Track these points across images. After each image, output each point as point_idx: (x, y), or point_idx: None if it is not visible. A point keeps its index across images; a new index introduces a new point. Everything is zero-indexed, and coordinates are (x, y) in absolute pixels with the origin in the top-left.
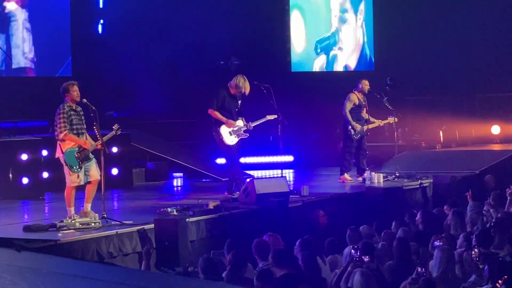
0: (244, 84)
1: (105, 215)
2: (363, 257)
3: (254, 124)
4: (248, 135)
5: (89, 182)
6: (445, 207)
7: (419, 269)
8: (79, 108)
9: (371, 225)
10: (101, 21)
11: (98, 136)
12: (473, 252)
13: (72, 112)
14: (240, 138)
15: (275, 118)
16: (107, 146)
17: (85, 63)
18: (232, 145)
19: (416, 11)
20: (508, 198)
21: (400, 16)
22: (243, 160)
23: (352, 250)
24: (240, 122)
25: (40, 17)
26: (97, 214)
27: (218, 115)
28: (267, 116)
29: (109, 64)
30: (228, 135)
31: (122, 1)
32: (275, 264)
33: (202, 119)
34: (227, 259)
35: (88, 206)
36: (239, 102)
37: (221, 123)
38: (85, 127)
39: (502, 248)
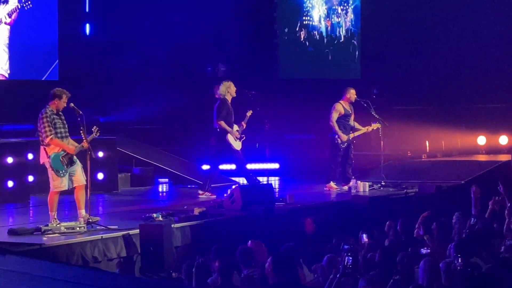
0: None
1: (91, 220)
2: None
3: None
4: None
5: (74, 188)
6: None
7: (395, 277)
8: (60, 112)
9: (357, 233)
10: (88, 26)
11: (84, 139)
12: (457, 263)
13: (55, 116)
14: None
15: (263, 125)
16: (93, 151)
17: (72, 68)
18: None
19: (403, 21)
20: (489, 208)
21: (387, 25)
22: (229, 166)
23: (346, 258)
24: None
25: (27, 20)
26: (87, 214)
27: (226, 126)
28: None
29: (95, 69)
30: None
31: (109, 6)
32: (274, 270)
33: (187, 125)
34: (214, 265)
35: (82, 212)
36: None
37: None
38: (67, 130)
39: (480, 258)
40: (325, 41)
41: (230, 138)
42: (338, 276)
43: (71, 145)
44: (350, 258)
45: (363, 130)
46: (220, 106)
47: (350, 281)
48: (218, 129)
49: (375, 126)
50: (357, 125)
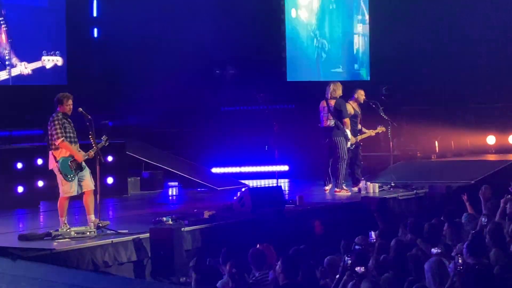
0: None
1: (101, 224)
2: (357, 267)
3: None
4: None
5: (83, 193)
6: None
7: (409, 279)
8: (69, 119)
9: (367, 235)
10: (96, 30)
11: (93, 144)
12: (457, 263)
13: (65, 120)
14: None
15: (272, 127)
16: (102, 156)
17: (80, 72)
18: None
19: (412, 21)
20: (500, 207)
21: (396, 25)
22: (238, 169)
23: (346, 259)
24: None
25: (35, 25)
26: (97, 219)
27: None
28: None
29: (104, 73)
30: None
31: (117, 10)
32: (284, 271)
33: (196, 128)
34: (225, 268)
35: (91, 217)
36: None
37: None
38: (76, 136)
39: (492, 257)
40: (333, 42)
41: (349, 134)
42: (337, 277)
43: (80, 152)
44: (349, 259)
45: (368, 133)
46: (341, 106)
47: (355, 282)
48: (337, 127)
49: (379, 129)
50: (363, 129)
